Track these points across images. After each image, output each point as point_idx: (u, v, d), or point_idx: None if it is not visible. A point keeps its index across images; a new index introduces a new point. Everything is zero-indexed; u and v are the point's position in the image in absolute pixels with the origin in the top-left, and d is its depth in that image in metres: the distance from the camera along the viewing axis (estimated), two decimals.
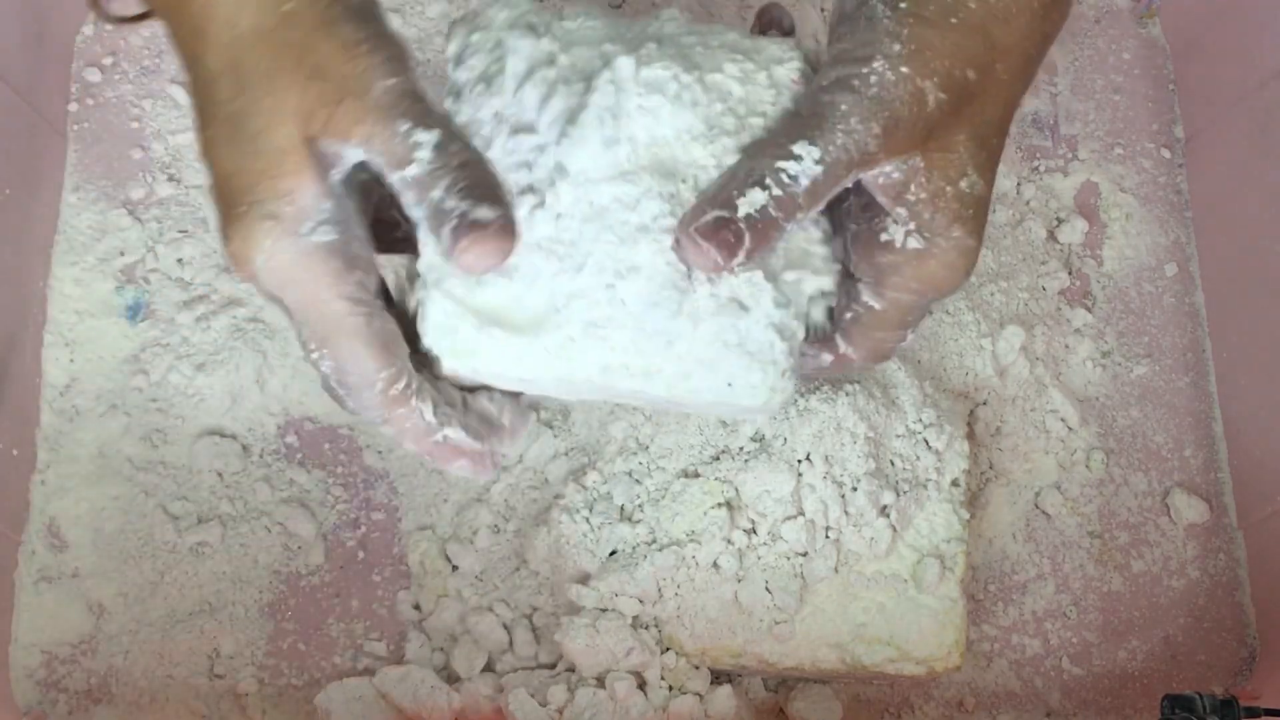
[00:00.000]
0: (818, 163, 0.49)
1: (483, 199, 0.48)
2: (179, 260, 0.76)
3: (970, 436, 0.71)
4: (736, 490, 0.64)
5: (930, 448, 0.66)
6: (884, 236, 0.52)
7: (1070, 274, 0.79)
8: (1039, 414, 0.75)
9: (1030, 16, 0.51)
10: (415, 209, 0.49)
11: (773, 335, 0.51)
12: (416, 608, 0.70)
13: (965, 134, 0.51)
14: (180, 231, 0.76)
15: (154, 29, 0.81)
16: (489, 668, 0.67)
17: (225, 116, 0.47)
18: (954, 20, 0.49)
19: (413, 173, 0.48)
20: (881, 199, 0.51)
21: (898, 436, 0.66)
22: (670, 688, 0.64)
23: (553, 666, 0.66)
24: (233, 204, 0.47)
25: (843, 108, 0.49)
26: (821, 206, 0.50)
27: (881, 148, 0.49)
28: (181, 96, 0.79)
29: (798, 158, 0.49)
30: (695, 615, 0.64)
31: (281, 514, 0.71)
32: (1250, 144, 0.76)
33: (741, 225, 0.48)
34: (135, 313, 0.75)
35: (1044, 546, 0.74)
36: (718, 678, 0.66)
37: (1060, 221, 0.80)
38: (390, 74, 0.48)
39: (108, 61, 0.81)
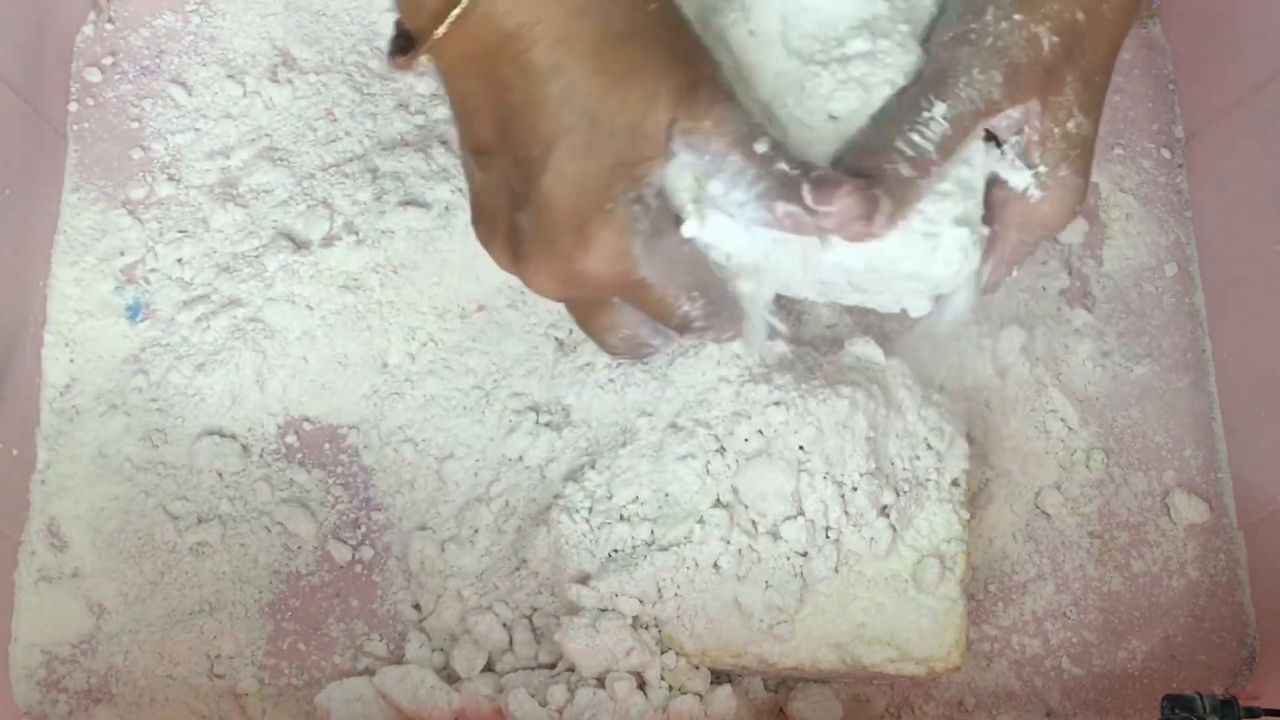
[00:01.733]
0: (945, 118, 0.51)
1: (819, 170, 0.51)
2: (179, 260, 0.75)
3: (970, 436, 0.71)
4: (736, 490, 0.64)
5: (930, 448, 0.66)
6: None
7: (1070, 274, 0.79)
8: (1039, 414, 0.75)
9: None
10: (753, 186, 0.51)
11: (973, 208, 0.53)
12: (416, 608, 0.70)
13: (1073, 75, 0.53)
14: (180, 231, 0.76)
15: (153, 29, 0.81)
16: (489, 668, 0.67)
17: (581, 126, 0.49)
18: None
19: (761, 149, 0.51)
20: (1003, 140, 0.54)
21: (898, 436, 0.66)
22: (670, 688, 0.64)
23: (553, 666, 0.66)
24: (592, 209, 0.50)
25: (963, 61, 0.51)
26: (953, 158, 0.53)
27: (1004, 95, 0.51)
28: (181, 97, 0.79)
29: (928, 118, 0.51)
30: (695, 615, 0.64)
31: (281, 514, 0.71)
32: (1250, 144, 0.76)
33: (879, 193, 0.50)
34: (135, 313, 0.75)
35: (1044, 546, 0.74)
36: (718, 678, 0.66)
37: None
38: (722, 66, 0.52)
39: (108, 61, 0.81)
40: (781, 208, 0.51)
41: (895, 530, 0.65)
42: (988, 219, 0.55)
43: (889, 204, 0.50)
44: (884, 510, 0.64)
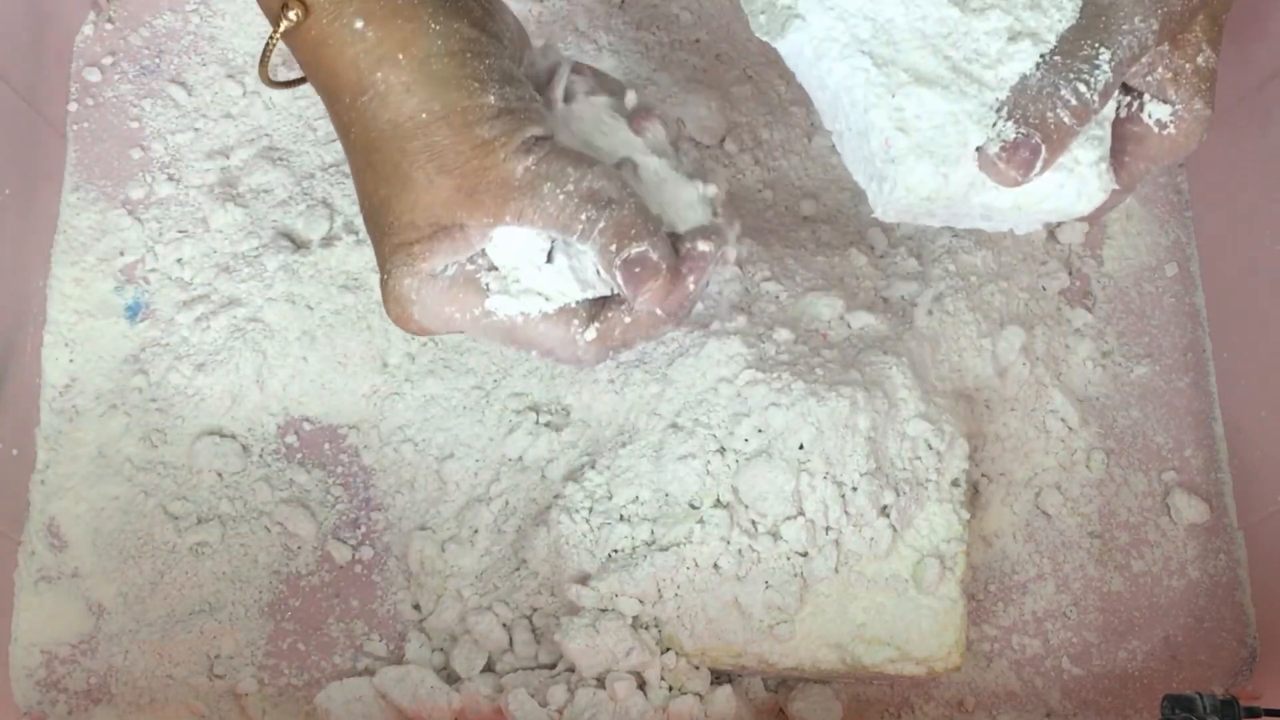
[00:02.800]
0: (1109, 65, 0.51)
1: (636, 238, 0.54)
2: (179, 260, 0.75)
3: (970, 436, 0.71)
4: (736, 490, 0.64)
5: (930, 448, 0.66)
6: (1126, 111, 0.56)
7: (1070, 274, 0.79)
8: (1039, 414, 0.75)
9: None
10: (590, 253, 0.54)
11: (1107, 144, 0.54)
12: (416, 608, 0.70)
13: (1205, 14, 0.54)
14: (180, 231, 0.76)
15: (153, 29, 0.82)
16: (489, 668, 0.67)
17: (371, 201, 0.53)
18: None
19: (574, 231, 0.53)
20: (1131, 81, 0.55)
21: (898, 436, 0.66)
22: (670, 688, 0.64)
23: (553, 666, 0.66)
24: (383, 267, 0.54)
25: (1125, 8, 0.52)
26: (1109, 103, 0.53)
27: (1155, 40, 0.52)
28: (181, 96, 0.79)
29: (1094, 67, 0.51)
30: (695, 615, 0.64)
31: (281, 514, 0.71)
32: (1250, 144, 0.76)
33: (1039, 141, 0.51)
34: (135, 313, 0.75)
35: (1044, 546, 0.74)
36: (718, 678, 0.66)
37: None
38: (526, 153, 0.52)
39: (108, 61, 0.81)
40: (620, 283, 0.54)
41: (895, 530, 0.65)
42: (1118, 151, 0.56)
43: (1048, 151, 0.51)
44: (884, 510, 0.64)
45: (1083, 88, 0.51)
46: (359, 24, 0.51)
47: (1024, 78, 0.52)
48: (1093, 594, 0.73)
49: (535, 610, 0.68)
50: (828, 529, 0.64)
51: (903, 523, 0.65)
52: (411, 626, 0.69)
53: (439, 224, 0.52)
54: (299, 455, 0.73)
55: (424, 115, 0.51)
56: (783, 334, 0.69)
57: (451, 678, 0.67)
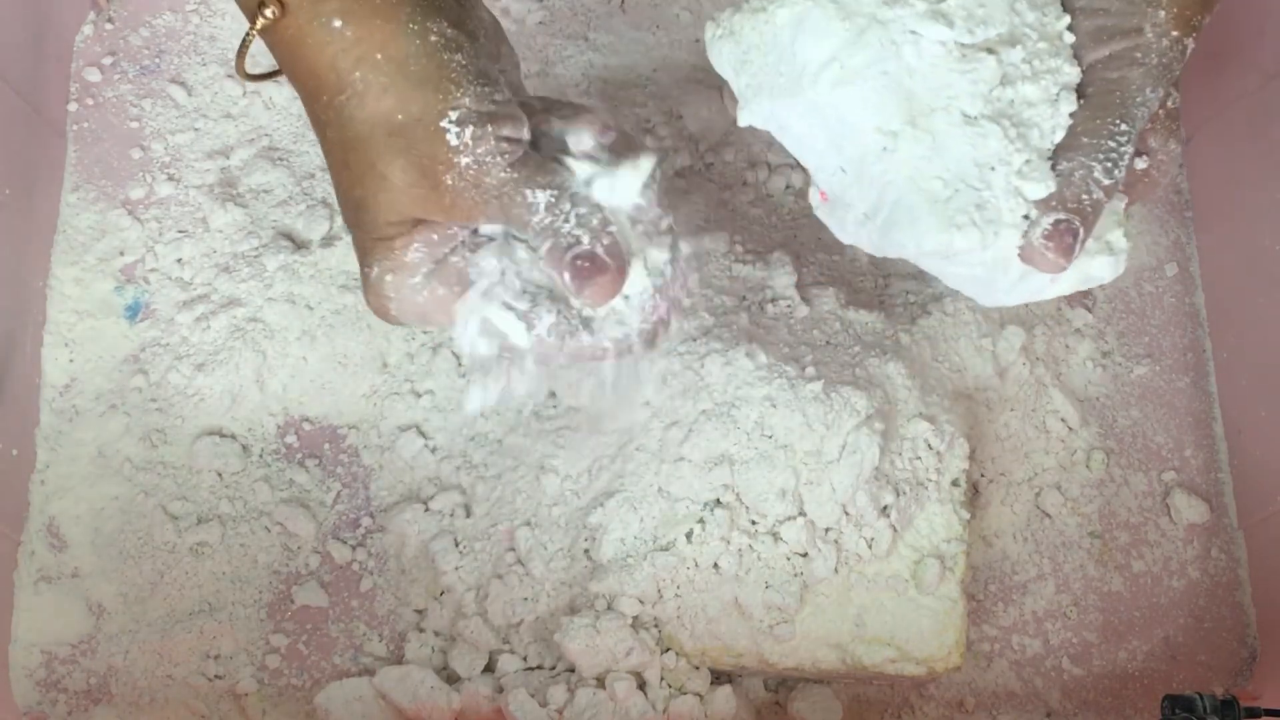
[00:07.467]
0: (1130, 139, 0.53)
1: (595, 234, 0.54)
2: (178, 260, 0.76)
3: (970, 436, 0.71)
4: (736, 490, 0.64)
5: (930, 448, 0.66)
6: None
7: None
8: (1039, 414, 0.75)
9: None
10: (546, 256, 0.55)
11: (1017, 199, 0.53)
12: (416, 609, 0.70)
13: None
14: (180, 231, 0.76)
15: (153, 29, 0.82)
16: (489, 668, 0.67)
17: (348, 198, 0.54)
18: None
19: (534, 227, 0.53)
20: None
21: (898, 437, 0.66)
22: (670, 688, 0.64)
23: (553, 667, 0.66)
24: (363, 262, 0.55)
25: (1135, 83, 0.53)
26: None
27: (1161, 104, 0.54)
28: (181, 96, 0.79)
29: (1120, 145, 0.53)
30: (695, 615, 0.64)
31: (281, 514, 0.71)
32: (1250, 144, 0.76)
33: (1077, 223, 0.52)
34: (135, 312, 0.75)
35: (1044, 546, 0.74)
36: (718, 678, 0.66)
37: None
38: (499, 154, 0.52)
39: (108, 61, 0.81)
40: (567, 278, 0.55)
41: (895, 530, 0.65)
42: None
43: (1085, 232, 0.52)
44: (884, 510, 0.64)
45: (1111, 166, 0.53)
46: (337, 23, 0.51)
47: (1058, 163, 0.53)
48: (1093, 594, 0.73)
49: (535, 611, 0.68)
50: (828, 529, 0.64)
51: (903, 523, 0.65)
52: (411, 627, 0.69)
53: (415, 220, 0.53)
54: (299, 455, 0.73)
55: (400, 116, 0.51)
56: (783, 334, 0.69)
57: (451, 678, 0.67)
